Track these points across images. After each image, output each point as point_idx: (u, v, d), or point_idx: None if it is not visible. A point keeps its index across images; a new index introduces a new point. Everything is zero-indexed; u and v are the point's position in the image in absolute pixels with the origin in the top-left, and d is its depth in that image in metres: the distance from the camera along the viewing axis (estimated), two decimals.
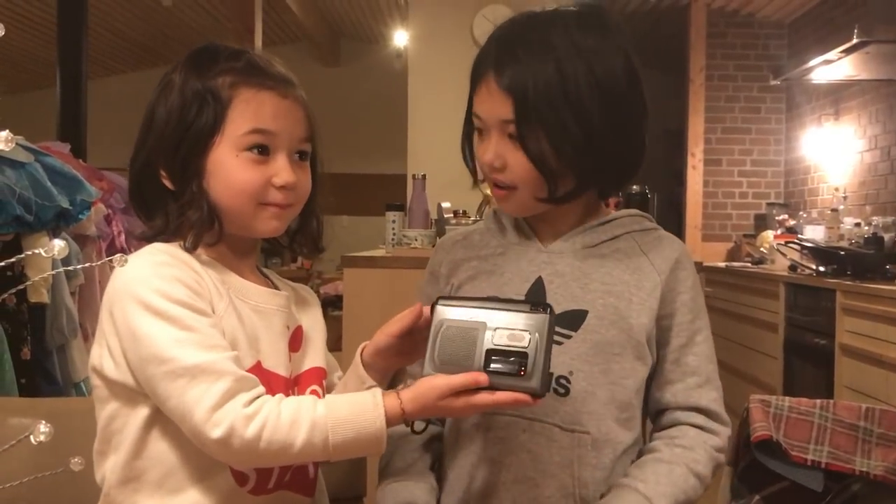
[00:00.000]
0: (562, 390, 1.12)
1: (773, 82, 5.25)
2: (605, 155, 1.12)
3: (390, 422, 0.99)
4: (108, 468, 1.06)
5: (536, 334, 0.98)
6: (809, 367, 3.90)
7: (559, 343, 1.12)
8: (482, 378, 0.97)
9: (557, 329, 1.11)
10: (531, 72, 1.07)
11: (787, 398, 1.58)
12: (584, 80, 1.08)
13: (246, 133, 1.05)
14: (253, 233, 1.11)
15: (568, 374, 1.12)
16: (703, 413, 1.17)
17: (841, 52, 3.94)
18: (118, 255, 0.79)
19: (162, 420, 1.02)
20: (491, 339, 0.99)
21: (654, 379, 1.19)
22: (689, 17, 5.84)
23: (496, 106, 1.10)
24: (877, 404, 1.58)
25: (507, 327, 0.99)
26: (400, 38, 7.03)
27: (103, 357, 1.04)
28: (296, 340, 1.15)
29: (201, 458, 1.01)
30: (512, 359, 0.97)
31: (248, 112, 1.05)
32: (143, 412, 1.03)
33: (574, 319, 1.14)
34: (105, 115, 6.45)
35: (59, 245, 0.72)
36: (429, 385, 0.98)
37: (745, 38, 5.97)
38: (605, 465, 1.14)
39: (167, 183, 1.08)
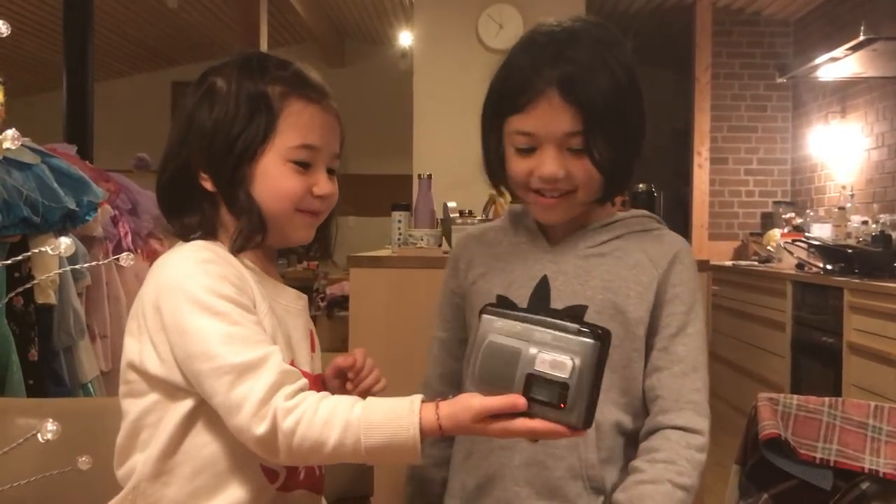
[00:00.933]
0: None
1: (779, 80, 5.24)
2: (635, 157, 1.22)
3: (426, 433, 0.96)
4: (140, 461, 1.07)
5: (580, 362, 0.89)
6: (817, 365, 3.88)
7: None
8: (521, 403, 0.92)
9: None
10: (595, 84, 1.15)
11: (795, 396, 1.57)
12: (629, 90, 1.18)
13: (296, 146, 1.10)
14: (286, 239, 1.15)
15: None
16: (689, 403, 1.20)
17: (847, 49, 3.93)
18: (125, 254, 0.79)
19: (202, 415, 1.05)
20: (533, 363, 0.91)
21: (645, 367, 1.24)
22: (694, 15, 5.83)
23: (558, 120, 1.15)
24: (885, 402, 1.57)
25: (550, 351, 0.91)
26: (405, 38, 7.03)
27: (144, 353, 1.06)
28: (312, 342, 1.20)
29: (236, 454, 1.04)
30: (552, 388, 0.90)
31: (298, 125, 1.10)
32: (182, 408, 1.05)
33: (577, 314, 1.18)
34: (111, 117, 6.47)
35: (65, 243, 0.73)
36: (466, 404, 0.94)
37: (750, 36, 5.96)
38: (608, 446, 1.22)
39: (207, 185, 1.11)
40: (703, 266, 3.12)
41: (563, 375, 0.89)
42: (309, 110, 1.11)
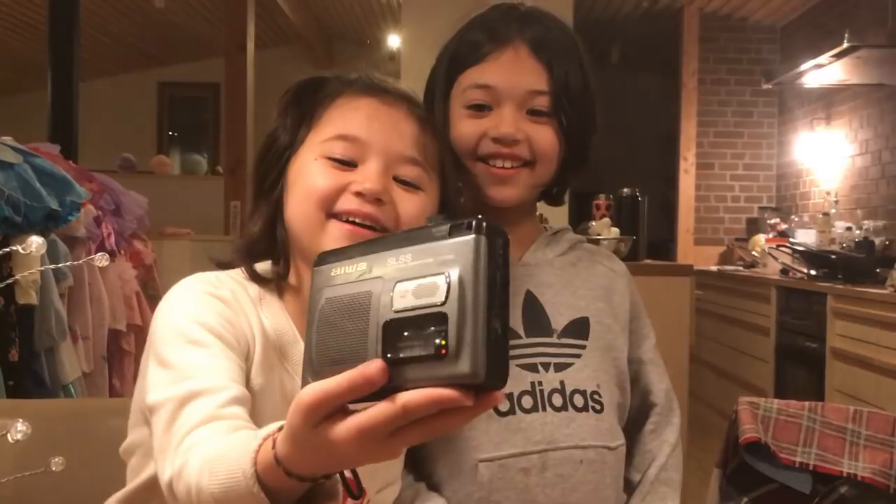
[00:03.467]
0: (598, 406, 1.09)
1: (765, 86, 5.27)
2: (587, 156, 1.13)
3: (269, 482, 0.61)
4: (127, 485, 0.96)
5: (458, 274, 0.54)
6: (801, 370, 3.90)
7: (578, 356, 1.08)
8: (372, 370, 0.54)
9: (571, 341, 1.08)
10: (566, 57, 1.05)
11: (775, 400, 1.58)
12: (591, 80, 1.09)
13: (329, 139, 0.90)
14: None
15: (597, 388, 1.09)
16: (676, 410, 1.21)
17: (832, 56, 3.96)
18: (99, 255, 0.78)
19: None
20: (390, 303, 0.56)
21: (632, 381, 1.21)
22: (682, 21, 5.86)
23: (525, 76, 1.03)
24: (867, 407, 1.58)
25: (412, 277, 0.56)
26: (393, 40, 7.02)
27: (143, 381, 0.89)
28: None
29: None
30: (423, 330, 0.54)
31: (336, 116, 0.92)
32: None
33: (581, 328, 1.11)
34: (97, 117, 6.44)
35: (36, 242, 0.72)
36: (294, 405, 0.57)
37: (737, 43, 5.99)
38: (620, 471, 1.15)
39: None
40: (686, 272, 3.15)
41: (434, 301, 0.54)
42: (357, 101, 0.93)
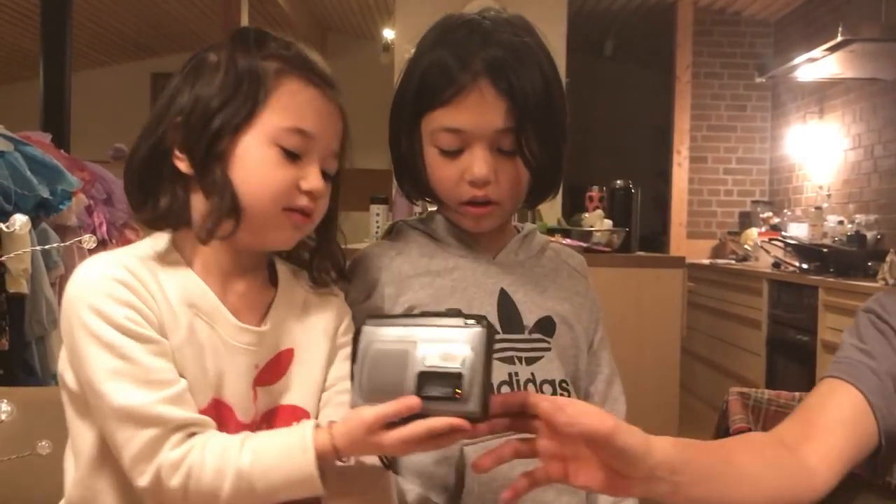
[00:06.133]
0: (566, 395, 1.17)
1: (758, 80, 5.28)
2: (562, 157, 1.14)
3: (323, 461, 0.89)
4: (69, 480, 1.00)
5: (471, 351, 0.87)
6: (792, 363, 3.92)
7: (547, 350, 1.16)
8: (414, 402, 0.85)
9: (540, 337, 1.16)
10: (526, 76, 1.06)
11: (766, 391, 1.58)
12: (556, 82, 1.11)
13: (286, 128, 0.96)
14: (263, 241, 1.01)
15: (564, 378, 1.17)
16: (618, 412, 1.23)
17: (825, 50, 3.97)
18: (87, 236, 0.77)
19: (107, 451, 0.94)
20: (422, 361, 0.87)
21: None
22: (675, 14, 5.86)
23: (490, 114, 1.05)
24: None
25: (439, 346, 0.88)
26: (387, 33, 7.01)
27: (63, 361, 0.98)
28: (274, 371, 1.02)
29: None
30: (446, 381, 0.86)
31: (292, 106, 0.97)
32: (91, 437, 0.96)
33: (548, 327, 1.18)
34: (89, 107, 6.41)
35: (20, 220, 0.71)
36: (358, 417, 0.87)
37: (731, 36, 5.99)
38: None
39: (182, 165, 0.98)
40: (679, 264, 3.16)
41: (455, 366, 0.86)
42: (308, 93, 0.98)
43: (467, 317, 0.89)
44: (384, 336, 0.90)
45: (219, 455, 0.89)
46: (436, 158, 1.10)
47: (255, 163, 0.96)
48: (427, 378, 0.87)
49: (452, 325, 0.89)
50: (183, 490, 0.88)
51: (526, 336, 1.15)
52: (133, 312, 0.92)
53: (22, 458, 1.02)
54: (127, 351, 0.90)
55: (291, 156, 0.97)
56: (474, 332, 0.88)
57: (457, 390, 0.86)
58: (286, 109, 0.97)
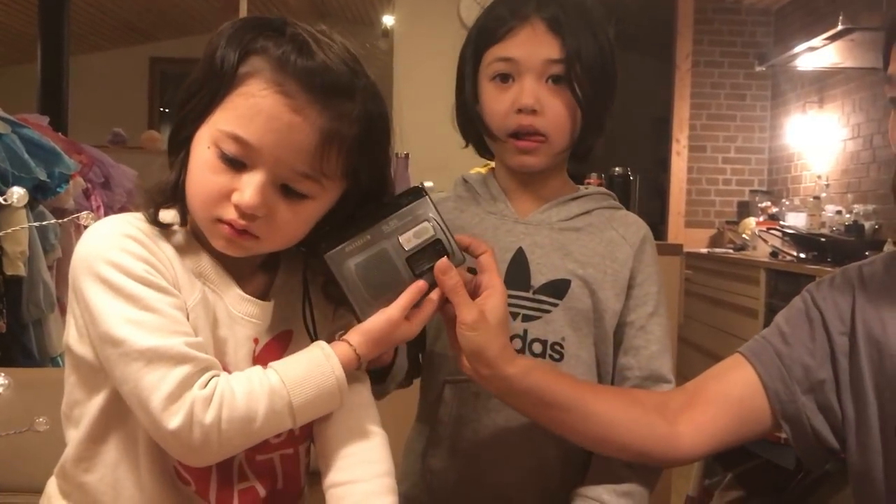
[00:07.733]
0: (556, 356, 1.18)
1: (758, 69, 5.27)
2: (603, 122, 1.20)
3: (346, 368, 0.94)
4: (69, 441, 1.00)
5: (431, 217, 0.99)
6: None
7: (548, 311, 1.18)
8: (421, 285, 0.98)
9: (545, 298, 1.18)
10: (577, 20, 1.16)
11: None
12: (608, 47, 1.19)
13: (224, 132, 0.89)
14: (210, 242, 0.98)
15: (561, 340, 1.18)
16: (661, 381, 1.22)
17: (825, 39, 3.96)
18: (84, 213, 0.77)
19: (116, 410, 0.93)
20: (403, 247, 0.98)
21: (619, 345, 1.23)
22: (676, 3, 5.84)
23: (541, 47, 1.14)
24: None
25: (405, 230, 0.99)
26: (386, 18, 6.98)
27: (70, 328, 0.96)
28: (273, 351, 1.00)
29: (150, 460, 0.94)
30: (431, 251, 0.99)
31: (241, 108, 0.89)
32: (99, 399, 0.94)
33: (559, 288, 1.19)
34: (88, 91, 6.39)
35: (18, 192, 0.71)
36: (381, 319, 0.96)
37: (731, 25, 5.98)
38: None
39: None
40: (676, 251, 3.15)
41: (430, 235, 0.98)
42: (268, 100, 0.88)
43: (402, 196, 0.99)
44: (352, 252, 0.97)
45: (246, 381, 0.89)
46: (490, 92, 1.18)
47: (195, 161, 0.92)
48: (415, 258, 0.98)
49: (402, 207, 0.99)
50: (217, 422, 0.86)
51: (529, 295, 1.18)
52: (150, 267, 0.90)
53: (20, 433, 1.03)
54: (151, 302, 0.88)
55: (233, 163, 0.90)
56: (421, 201, 0.99)
57: (446, 254, 0.99)
58: (234, 111, 0.89)
